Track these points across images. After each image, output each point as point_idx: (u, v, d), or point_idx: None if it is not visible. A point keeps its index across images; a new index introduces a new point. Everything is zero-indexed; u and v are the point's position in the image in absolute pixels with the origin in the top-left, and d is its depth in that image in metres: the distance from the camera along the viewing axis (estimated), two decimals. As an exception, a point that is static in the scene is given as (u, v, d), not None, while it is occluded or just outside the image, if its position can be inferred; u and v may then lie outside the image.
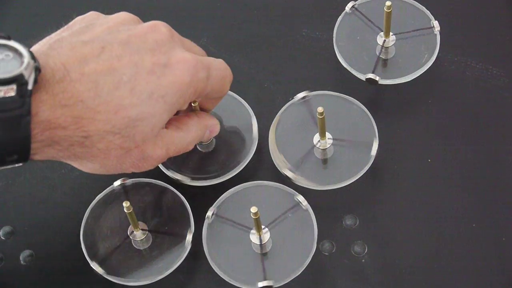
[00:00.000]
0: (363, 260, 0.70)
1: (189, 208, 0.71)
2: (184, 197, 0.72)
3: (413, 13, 0.78)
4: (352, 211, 0.72)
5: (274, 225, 0.70)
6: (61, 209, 0.75)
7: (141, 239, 0.71)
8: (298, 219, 0.70)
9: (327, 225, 0.71)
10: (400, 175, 0.74)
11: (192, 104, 0.69)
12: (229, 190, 0.72)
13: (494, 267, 0.69)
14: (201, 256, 0.70)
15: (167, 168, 0.73)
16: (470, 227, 0.71)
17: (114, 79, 0.60)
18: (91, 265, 0.69)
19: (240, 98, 0.76)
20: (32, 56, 0.56)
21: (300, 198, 0.70)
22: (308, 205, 0.70)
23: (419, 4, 0.78)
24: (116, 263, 0.70)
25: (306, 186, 0.72)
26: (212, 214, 0.71)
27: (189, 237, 0.70)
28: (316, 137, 0.74)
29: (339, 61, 0.77)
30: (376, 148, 0.72)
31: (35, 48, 0.61)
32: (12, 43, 0.57)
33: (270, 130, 0.74)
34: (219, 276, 0.68)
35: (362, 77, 0.75)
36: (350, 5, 0.78)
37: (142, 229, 0.71)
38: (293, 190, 0.71)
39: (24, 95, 0.55)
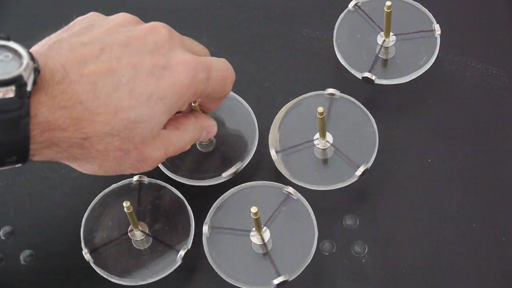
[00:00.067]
0: (363, 260, 0.70)
1: (189, 208, 0.71)
2: (184, 197, 0.72)
3: (414, 15, 0.78)
4: (352, 211, 0.72)
5: (274, 225, 0.70)
6: (61, 209, 0.75)
7: (141, 239, 0.71)
8: (298, 219, 0.70)
9: (327, 225, 0.71)
10: (400, 175, 0.74)
11: (192, 104, 0.69)
12: (229, 190, 0.72)
13: (494, 267, 0.69)
14: (201, 256, 0.70)
15: (167, 168, 0.73)
16: (470, 227, 0.71)
17: (113, 81, 0.60)
18: (91, 265, 0.69)
19: (240, 98, 0.76)
20: (32, 57, 0.56)
21: (290, 189, 0.71)
22: (304, 199, 0.70)
23: (421, 6, 0.78)
24: (116, 263, 0.70)
25: (307, 186, 0.72)
26: (212, 215, 0.71)
27: (189, 237, 0.70)
28: (317, 137, 0.73)
29: (339, 61, 0.77)
30: (376, 148, 0.72)
31: (34, 49, 0.61)
32: (11, 44, 0.57)
33: (270, 130, 0.74)
34: (219, 276, 0.68)
35: (361, 76, 0.75)
36: (353, 2, 0.78)
37: (142, 229, 0.71)
38: (294, 190, 0.71)
39: (23, 96, 0.55)
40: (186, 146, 0.68)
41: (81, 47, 0.60)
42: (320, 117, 0.70)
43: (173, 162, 0.74)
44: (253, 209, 0.65)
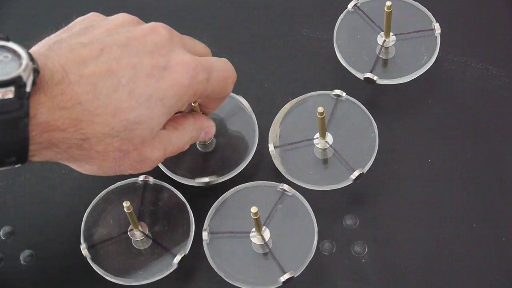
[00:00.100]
0: (363, 260, 0.70)
1: (189, 208, 0.71)
2: (184, 197, 0.72)
3: (414, 14, 0.78)
4: (352, 211, 0.72)
5: (274, 224, 0.70)
6: (61, 209, 0.75)
7: (141, 239, 0.71)
8: (298, 219, 0.70)
9: (327, 225, 0.71)
10: (400, 175, 0.74)
11: (192, 105, 0.69)
12: (229, 190, 0.72)
13: (494, 267, 0.69)
14: (201, 256, 0.70)
15: (167, 168, 0.73)
16: (470, 227, 0.71)
17: (113, 82, 0.60)
18: (91, 265, 0.69)
19: (240, 98, 0.76)
20: (31, 58, 0.56)
21: (285, 186, 0.71)
22: (300, 195, 0.70)
23: (420, 5, 0.78)
24: (116, 263, 0.70)
25: (307, 186, 0.72)
26: (212, 215, 0.71)
27: (189, 237, 0.70)
28: (317, 137, 0.73)
29: (339, 61, 0.77)
30: (376, 148, 0.72)
31: (34, 49, 0.61)
32: (10, 44, 0.57)
33: (270, 130, 0.74)
34: (219, 276, 0.68)
35: (362, 76, 0.75)
36: (352, 3, 0.78)
37: (142, 229, 0.71)
38: (294, 190, 0.71)
39: (22, 97, 0.55)
40: (184, 146, 0.67)
41: (81, 47, 0.60)
42: (320, 117, 0.70)
43: (173, 162, 0.74)
44: (253, 209, 0.65)
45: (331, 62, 0.79)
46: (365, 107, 0.74)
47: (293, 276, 0.67)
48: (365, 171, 0.71)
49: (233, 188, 0.72)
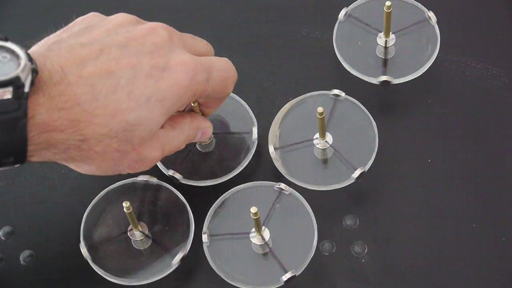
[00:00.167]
0: (363, 260, 0.70)
1: (189, 208, 0.71)
2: (184, 197, 0.72)
3: (407, 9, 0.78)
4: (352, 211, 0.72)
5: (273, 224, 0.70)
6: (61, 209, 0.75)
7: (141, 239, 0.71)
8: (298, 219, 0.70)
9: (327, 225, 0.71)
10: (400, 175, 0.74)
11: (192, 104, 0.69)
12: (229, 191, 0.72)
13: (494, 267, 0.69)
14: (201, 256, 0.70)
15: (167, 168, 0.73)
16: (470, 227, 0.71)
17: (112, 83, 0.59)
18: (91, 265, 0.69)
19: (240, 98, 0.76)
20: (29, 58, 0.56)
21: (282, 185, 0.71)
22: (298, 193, 0.70)
23: (412, 0, 0.78)
24: (116, 263, 0.70)
25: (306, 186, 0.71)
26: (212, 215, 0.71)
27: (189, 237, 0.70)
28: (316, 137, 0.73)
29: (339, 61, 0.77)
30: (376, 148, 0.72)
31: (33, 49, 0.61)
32: (9, 44, 0.57)
33: (270, 130, 0.74)
34: (219, 276, 0.68)
35: (362, 77, 0.75)
36: (343, 12, 0.78)
37: (142, 229, 0.71)
38: (294, 191, 0.71)
39: (21, 98, 0.55)
40: (181, 146, 0.67)
41: (80, 48, 0.60)
42: (320, 117, 0.69)
43: (173, 162, 0.74)
44: (253, 209, 0.65)
45: (331, 62, 0.79)
46: (365, 107, 0.74)
47: (294, 275, 0.67)
48: (366, 170, 0.71)
49: (233, 188, 0.72)
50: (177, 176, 0.72)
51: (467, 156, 0.74)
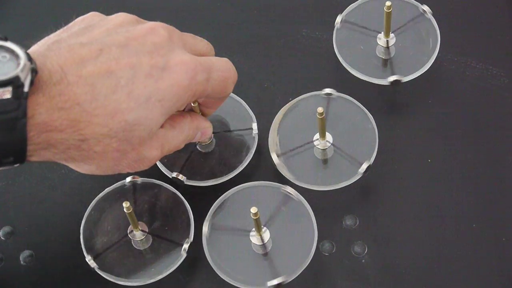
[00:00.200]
0: (363, 260, 0.70)
1: (189, 208, 0.71)
2: (184, 197, 0.72)
3: (403, 7, 0.78)
4: (352, 211, 0.72)
5: (274, 225, 0.70)
6: (61, 209, 0.75)
7: (141, 239, 0.71)
8: (298, 219, 0.70)
9: (327, 225, 0.71)
10: (400, 175, 0.74)
11: (192, 104, 0.69)
12: (229, 190, 0.72)
13: (494, 267, 0.69)
14: (201, 256, 0.70)
15: (167, 168, 0.73)
16: (470, 227, 0.71)
17: (111, 83, 0.59)
18: (91, 265, 0.69)
19: (240, 98, 0.76)
20: (29, 58, 0.56)
21: (289, 189, 0.71)
22: (303, 199, 0.70)
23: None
24: (116, 263, 0.70)
25: (306, 187, 0.72)
26: (212, 215, 0.71)
27: (189, 237, 0.70)
28: (316, 137, 0.73)
29: (339, 61, 0.77)
30: (376, 148, 0.72)
31: (33, 49, 0.61)
32: (8, 44, 0.57)
33: (270, 130, 0.74)
34: (219, 276, 0.68)
35: (362, 77, 0.75)
36: (339, 19, 0.78)
37: (142, 229, 0.71)
38: (294, 191, 0.71)
39: (20, 97, 0.55)
40: (180, 145, 0.67)
41: (80, 47, 0.60)
42: (320, 117, 0.69)
43: (173, 162, 0.74)
44: (253, 210, 0.65)
45: (331, 62, 0.79)
46: (365, 107, 0.74)
47: (283, 282, 0.67)
48: (371, 163, 0.71)
49: (233, 188, 0.72)
50: (181, 177, 0.72)
51: (467, 156, 0.74)
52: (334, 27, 0.78)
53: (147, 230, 0.71)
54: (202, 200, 0.72)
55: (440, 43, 0.76)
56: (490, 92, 0.77)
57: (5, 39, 0.58)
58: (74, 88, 0.58)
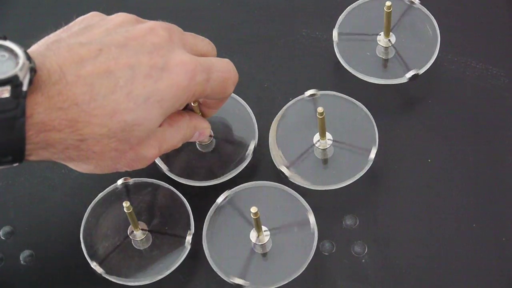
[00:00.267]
0: (363, 260, 0.70)
1: (189, 208, 0.71)
2: (184, 197, 0.72)
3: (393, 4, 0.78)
4: (352, 211, 0.72)
5: (274, 225, 0.70)
6: (61, 209, 0.75)
7: (141, 239, 0.71)
8: (298, 219, 0.70)
9: (327, 225, 0.71)
10: (400, 175, 0.74)
11: (192, 104, 0.69)
12: (229, 190, 0.72)
13: (494, 267, 0.69)
14: (201, 256, 0.70)
15: (167, 168, 0.73)
16: (470, 227, 0.71)
17: (110, 83, 0.59)
18: (91, 265, 0.69)
19: (240, 98, 0.76)
20: (28, 57, 0.56)
21: (289, 189, 0.71)
22: (303, 199, 0.70)
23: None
24: (116, 263, 0.70)
25: (306, 186, 0.72)
26: (212, 215, 0.71)
27: (189, 237, 0.70)
28: (316, 137, 0.73)
29: (339, 61, 0.77)
30: (376, 148, 0.72)
31: (32, 49, 0.61)
32: (7, 43, 0.57)
33: (270, 130, 0.74)
34: (219, 276, 0.68)
35: (362, 77, 0.75)
36: (335, 34, 0.77)
37: (142, 229, 0.71)
38: (294, 191, 0.71)
39: (19, 97, 0.55)
40: (178, 144, 0.67)
41: (79, 47, 0.60)
42: (320, 117, 0.70)
43: (173, 162, 0.74)
44: (253, 209, 0.65)
45: (331, 62, 0.79)
46: (365, 107, 0.74)
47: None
48: (372, 162, 0.71)
49: (233, 188, 0.72)
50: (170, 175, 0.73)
51: (467, 156, 0.74)
52: (334, 26, 0.78)
53: (146, 232, 0.71)
54: (202, 200, 0.72)
55: (440, 43, 0.76)
56: (490, 92, 0.77)
57: (4, 38, 0.58)
58: (73, 88, 0.58)
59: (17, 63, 0.56)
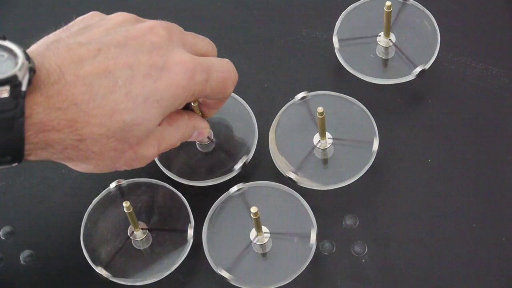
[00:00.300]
0: (363, 260, 0.70)
1: (189, 208, 0.71)
2: (184, 197, 0.72)
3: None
4: (352, 211, 0.72)
5: (274, 225, 0.70)
6: (61, 209, 0.75)
7: (141, 239, 0.71)
8: (298, 219, 0.70)
9: (327, 225, 0.71)
10: (400, 175, 0.74)
11: (192, 104, 0.69)
12: (229, 190, 0.72)
13: (494, 267, 0.69)
14: (201, 256, 0.70)
15: (167, 168, 0.73)
16: (470, 227, 0.71)
17: (110, 82, 0.59)
18: (91, 265, 0.69)
19: (240, 98, 0.76)
20: (27, 57, 0.56)
21: (289, 189, 0.71)
22: (303, 199, 0.70)
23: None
24: (116, 263, 0.70)
25: (307, 186, 0.72)
26: (212, 214, 0.71)
27: (189, 237, 0.70)
28: (316, 137, 0.73)
29: (339, 61, 0.77)
30: (376, 148, 0.72)
31: (32, 49, 0.61)
32: (7, 43, 0.57)
33: (270, 130, 0.74)
34: (219, 276, 0.68)
35: (362, 77, 0.75)
36: (336, 43, 0.77)
37: (142, 229, 0.71)
38: (294, 191, 0.71)
39: (18, 97, 0.55)
40: (177, 143, 0.67)
41: (78, 47, 0.60)
42: (320, 117, 0.69)
43: (173, 162, 0.74)
44: (253, 209, 0.65)
45: (331, 62, 0.79)
46: (365, 107, 0.74)
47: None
48: (372, 162, 0.71)
49: (233, 188, 0.72)
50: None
51: (467, 156, 0.74)
52: (334, 26, 0.78)
53: (146, 232, 0.71)
54: (202, 200, 0.72)
55: (440, 43, 0.76)
56: (490, 92, 0.77)
57: (4, 38, 0.58)
58: (72, 88, 0.58)
59: (16, 63, 0.56)
